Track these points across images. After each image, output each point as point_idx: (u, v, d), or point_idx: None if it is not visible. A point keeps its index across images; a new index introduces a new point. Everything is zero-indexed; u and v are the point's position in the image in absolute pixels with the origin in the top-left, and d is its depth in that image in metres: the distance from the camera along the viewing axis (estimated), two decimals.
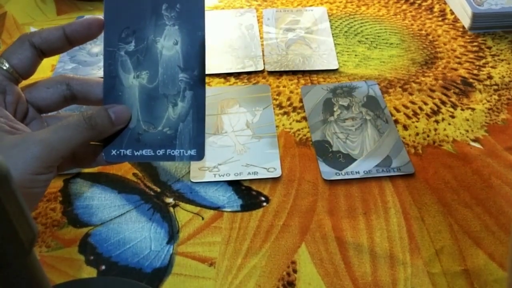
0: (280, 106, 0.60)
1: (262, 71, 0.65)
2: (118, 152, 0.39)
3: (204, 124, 0.39)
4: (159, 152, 0.39)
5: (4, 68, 0.37)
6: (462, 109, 0.59)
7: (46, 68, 0.65)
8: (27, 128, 0.36)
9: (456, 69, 0.64)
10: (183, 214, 0.48)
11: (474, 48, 0.68)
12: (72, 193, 0.50)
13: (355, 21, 0.73)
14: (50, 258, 0.45)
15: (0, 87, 0.36)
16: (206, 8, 0.39)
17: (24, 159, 0.33)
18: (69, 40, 0.38)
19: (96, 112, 0.37)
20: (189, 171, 0.52)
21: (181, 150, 0.39)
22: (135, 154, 0.39)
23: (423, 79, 0.63)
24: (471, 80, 0.62)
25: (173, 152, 0.39)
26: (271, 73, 0.64)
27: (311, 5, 0.77)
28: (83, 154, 0.40)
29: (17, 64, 0.37)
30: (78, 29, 0.38)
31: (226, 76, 0.64)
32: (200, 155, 0.39)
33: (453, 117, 0.58)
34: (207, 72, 0.40)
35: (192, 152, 0.39)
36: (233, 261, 0.44)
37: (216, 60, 0.66)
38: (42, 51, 0.38)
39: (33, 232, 0.20)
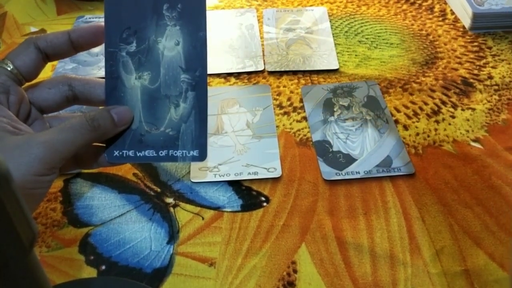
0: (280, 106, 0.60)
1: (262, 71, 0.65)
2: (120, 153, 0.39)
3: (206, 124, 0.39)
4: (161, 153, 0.39)
5: (8, 69, 0.37)
6: (463, 109, 0.59)
7: (47, 68, 0.65)
8: (30, 128, 0.36)
9: (456, 69, 0.64)
10: (183, 214, 0.48)
11: (475, 48, 0.68)
12: (72, 193, 0.50)
13: (355, 21, 0.73)
14: (50, 258, 0.45)
15: (3, 87, 0.36)
16: (206, 8, 0.39)
17: (27, 160, 0.33)
18: (74, 46, 0.39)
19: (99, 114, 0.37)
20: (190, 171, 0.52)
21: (184, 151, 0.39)
22: (138, 155, 0.39)
23: (423, 79, 0.63)
24: (471, 80, 0.62)
25: (175, 153, 0.39)
26: (272, 73, 0.64)
27: (311, 5, 0.77)
28: (85, 155, 0.40)
29: (21, 66, 0.37)
30: (83, 35, 0.38)
31: (226, 76, 0.64)
32: (202, 156, 0.39)
33: (453, 117, 0.58)
34: (207, 72, 0.40)
35: (195, 152, 0.39)
36: (233, 261, 0.44)
37: (216, 60, 0.66)
38: (47, 55, 0.38)
39: (33, 232, 0.20)
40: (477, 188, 0.50)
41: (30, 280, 0.21)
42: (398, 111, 0.59)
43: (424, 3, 0.76)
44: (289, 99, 0.61)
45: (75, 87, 0.39)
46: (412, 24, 0.72)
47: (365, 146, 0.54)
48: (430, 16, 0.74)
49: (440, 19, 0.73)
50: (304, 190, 0.50)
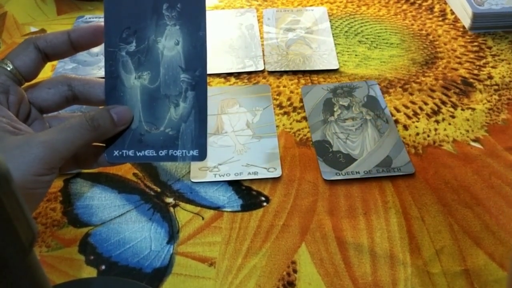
0: (280, 106, 0.60)
1: (262, 71, 0.65)
2: (120, 153, 0.39)
3: (206, 124, 0.39)
4: (161, 153, 0.39)
5: (8, 69, 0.37)
6: (463, 109, 0.59)
7: (47, 68, 0.65)
8: (30, 128, 0.36)
9: (456, 69, 0.64)
10: (183, 214, 0.48)
11: (475, 48, 0.68)
12: (72, 193, 0.50)
13: (355, 21, 0.73)
14: (50, 258, 0.45)
15: (3, 87, 0.36)
16: (206, 8, 0.39)
17: (27, 161, 0.33)
18: (73, 46, 0.39)
19: (98, 113, 0.37)
20: (189, 171, 0.52)
21: (183, 151, 0.39)
22: (138, 154, 0.39)
23: (423, 79, 0.63)
24: (471, 80, 0.62)
25: (175, 153, 0.39)
26: (272, 73, 0.64)
27: (311, 5, 0.77)
28: (84, 155, 0.40)
29: (21, 66, 0.37)
30: (83, 35, 0.38)
31: (226, 76, 0.64)
32: (202, 156, 0.39)
33: (453, 117, 0.58)
34: (207, 72, 0.39)
35: (195, 152, 0.39)
36: (233, 261, 0.44)
37: (216, 60, 0.66)
38: (47, 55, 0.38)
39: (33, 232, 0.20)
40: (477, 188, 0.50)
41: (30, 280, 0.21)
42: (398, 111, 0.59)
43: (424, 3, 0.76)
44: (289, 99, 0.61)
45: (75, 87, 0.39)
46: (412, 24, 0.72)
47: (365, 146, 0.54)
48: (430, 16, 0.74)
49: (440, 19, 0.73)
50: (304, 190, 0.50)
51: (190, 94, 0.39)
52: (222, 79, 0.64)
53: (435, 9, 0.75)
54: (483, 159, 0.53)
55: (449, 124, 0.57)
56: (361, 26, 0.72)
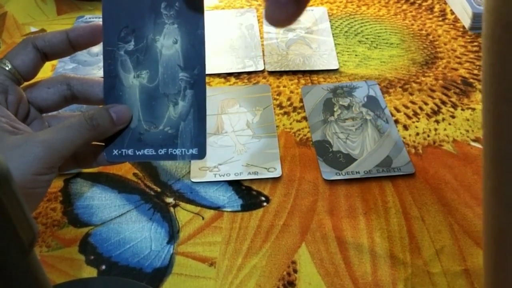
0: (280, 106, 0.60)
1: (262, 71, 0.65)
2: (119, 152, 0.39)
3: (205, 123, 0.39)
4: (160, 152, 0.39)
5: (7, 68, 0.37)
6: (463, 109, 0.59)
7: (47, 68, 0.65)
8: (29, 128, 0.36)
9: (456, 69, 0.64)
10: (183, 214, 0.48)
11: (475, 48, 0.67)
12: (73, 193, 0.50)
13: (355, 21, 0.73)
14: (50, 258, 0.45)
15: (2, 87, 0.36)
16: (206, 8, 0.39)
17: (27, 160, 0.33)
18: (72, 45, 0.39)
19: (97, 113, 0.37)
20: (190, 171, 0.52)
21: (183, 149, 0.39)
22: (137, 153, 0.39)
23: (423, 79, 0.63)
24: (471, 80, 0.62)
25: (174, 151, 0.39)
26: (272, 73, 0.64)
27: (311, 5, 0.77)
28: (84, 154, 0.40)
29: (20, 65, 0.37)
30: (81, 34, 0.39)
31: (226, 76, 0.64)
32: (201, 154, 0.39)
33: (453, 117, 0.58)
34: (207, 72, 0.39)
35: (194, 151, 0.39)
36: (233, 261, 0.44)
37: (217, 60, 0.66)
38: (45, 54, 0.38)
39: (33, 232, 0.20)
40: (477, 188, 0.50)
41: (30, 280, 0.21)
42: (398, 111, 0.59)
43: (424, 3, 0.76)
44: (289, 99, 0.61)
45: (74, 87, 0.39)
46: (412, 24, 0.72)
47: (365, 146, 0.54)
48: (430, 16, 0.74)
49: (440, 19, 0.73)
50: (304, 190, 0.50)
51: (189, 92, 0.39)
52: (222, 79, 0.64)
53: (435, 9, 0.75)
54: None
55: (449, 124, 0.57)
56: (361, 26, 0.72)
